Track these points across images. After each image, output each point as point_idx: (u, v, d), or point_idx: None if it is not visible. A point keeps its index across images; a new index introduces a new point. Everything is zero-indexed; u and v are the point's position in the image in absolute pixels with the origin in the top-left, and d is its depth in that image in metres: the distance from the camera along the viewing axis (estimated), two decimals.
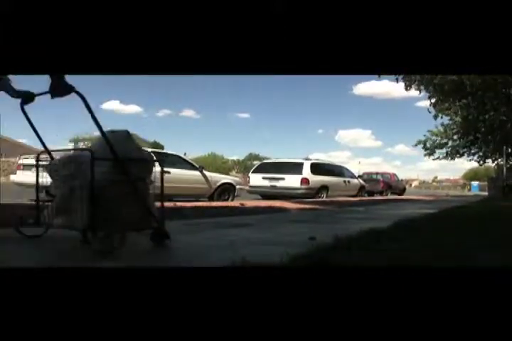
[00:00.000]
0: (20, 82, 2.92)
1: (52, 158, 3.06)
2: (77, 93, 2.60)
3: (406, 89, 19.67)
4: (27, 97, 2.92)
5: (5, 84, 2.78)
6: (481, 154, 25.93)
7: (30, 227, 2.96)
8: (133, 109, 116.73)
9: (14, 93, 2.83)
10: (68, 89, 2.62)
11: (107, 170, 2.65)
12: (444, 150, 26.42)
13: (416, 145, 27.05)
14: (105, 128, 2.67)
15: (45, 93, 2.75)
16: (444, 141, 26.15)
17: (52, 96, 2.71)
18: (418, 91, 19.93)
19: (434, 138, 26.36)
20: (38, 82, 2.83)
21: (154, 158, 3.32)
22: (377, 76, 18.47)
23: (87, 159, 2.59)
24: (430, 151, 26.72)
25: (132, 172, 2.71)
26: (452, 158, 26.55)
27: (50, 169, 2.95)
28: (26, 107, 2.94)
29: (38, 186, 3.12)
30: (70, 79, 2.66)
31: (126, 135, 2.89)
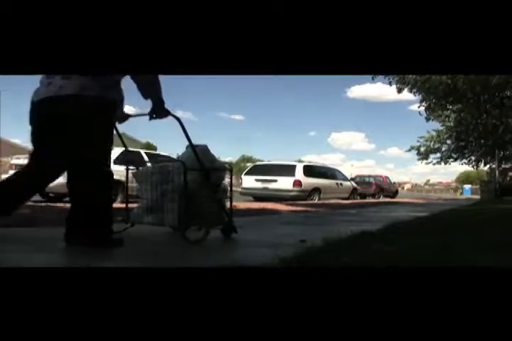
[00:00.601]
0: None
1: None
2: (174, 116, 3.05)
3: (398, 92, 19.76)
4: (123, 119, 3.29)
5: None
6: (473, 158, 26.11)
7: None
8: (125, 108, 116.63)
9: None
10: (166, 113, 2.95)
11: (194, 178, 3.26)
12: (437, 155, 26.59)
13: (409, 150, 27.17)
14: None
15: (143, 115, 3.07)
16: (438, 145, 26.30)
17: (150, 119, 3.00)
18: (412, 94, 20.01)
19: (427, 143, 26.50)
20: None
21: (227, 167, 3.93)
22: (371, 79, 18.54)
23: (176, 168, 3.31)
24: (424, 156, 26.85)
25: (212, 179, 3.37)
26: (446, 163, 26.71)
27: (137, 176, 3.70)
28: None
29: (127, 188, 3.94)
30: None
31: (206, 149, 3.53)
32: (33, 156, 2.90)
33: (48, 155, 2.79)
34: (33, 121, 2.83)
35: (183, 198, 3.17)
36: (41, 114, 2.75)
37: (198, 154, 3.21)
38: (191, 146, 3.26)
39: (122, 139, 3.60)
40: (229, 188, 3.86)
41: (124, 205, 3.96)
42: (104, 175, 2.81)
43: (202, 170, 3.26)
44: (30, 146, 3.01)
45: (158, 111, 2.93)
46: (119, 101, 2.92)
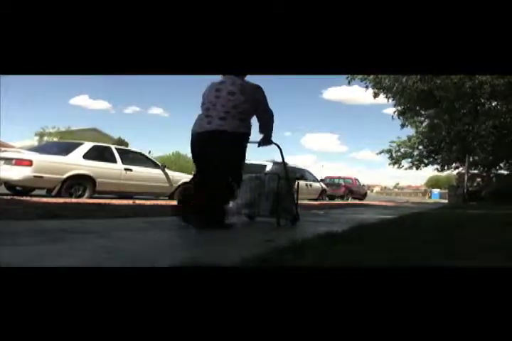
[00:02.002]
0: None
1: None
2: (276, 144, 4.56)
3: (374, 97, 19.98)
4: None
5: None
6: (442, 162, 26.49)
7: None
8: (101, 104, 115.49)
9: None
10: (270, 142, 4.47)
11: (282, 184, 4.76)
12: (409, 160, 26.89)
13: (380, 153, 27.44)
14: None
15: (254, 142, 4.41)
16: (410, 150, 26.62)
17: (259, 146, 4.47)
18: (386, 99, 20.24)
19: (398, 148, 26.79)
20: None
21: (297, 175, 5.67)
22: (347, 82, 18.71)
23: (272, 177, 4.88)
24: (396, 161, 27.14)
25: (290, 184, 4.97)
26: (417, 168, 27.04)
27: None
28: None
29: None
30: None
31: (285, 164, 4.94)
32: (197, 170, 4.23)
33: (207, 169, 4.06)
34: (196, 145, 4.14)
35: (275, 198, 4.75)
36: (203, 140, 4.02)
37: (280, 168, 5.17)
38: (284, 164, 4.90)
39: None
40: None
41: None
42: (237, 173, 4.18)
43: (285, 178, 4.82)
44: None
45: (266, 141, 4.43)
46: (250, 134, 4.18)
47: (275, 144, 4.50)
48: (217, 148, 3.95)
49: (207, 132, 3.96)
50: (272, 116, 4.30)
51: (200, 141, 4.04)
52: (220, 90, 4.05)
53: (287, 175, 4.86)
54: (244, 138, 4.10)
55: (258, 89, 4.13)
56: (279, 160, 4.93)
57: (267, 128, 4.33)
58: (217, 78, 4.26)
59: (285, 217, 4.78)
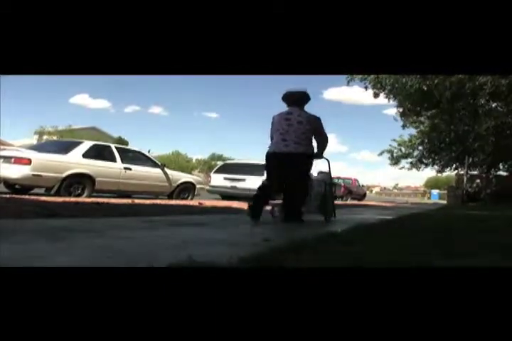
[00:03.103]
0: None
1: None
2: (326, 159, 5.93)
3: (375, 97, 19.97)
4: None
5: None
6: (442, 163, 26.46)
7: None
8: (101, 103, 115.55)
9: None
10: (322, 157, 5.67)
11: (328, 188, 6.13)
12: (409, 160, 26.88)
13: (381, 154, 27.42)
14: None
15: (316, 156, 5.60)
16: (410, 150, 26.59)
17: (313, 159, 5.54)
18: (387, 99, 20.25)
19: (399, 147, 26.76)
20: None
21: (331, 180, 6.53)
22: (346, 82, 18.74)
23: (320, 182, 6.07)
24: (395, 161, 27.10)
25: (332, 189, 6.37)
26: (417, 169, 27.00)
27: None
28: None
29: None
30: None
31: (330, 173, 6.31)
32: (267, 178, 5.56)
33: (276, 179, 5.40)
34: (273, 161, 5.41)
35: (322, 198, 5.97)
36: (283, 159, 5.25)
37: (325, 177, 6.26)
38: (329, 174, 6.28)
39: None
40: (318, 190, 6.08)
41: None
42: (306, 185, 5.51)
43: (330, 184, 6.26)
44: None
45: (319, 156, 5.61)
46: (313, 153, 5.50)
47: (325, 159, 5.88)
48: (295, 164, 5.25)
49: (285, 153, 5.25)
50: (327, 139, 5.66)
51: (279, 159, 5.31)
52: (289, 120, 5.34)
53: (331, 182, 6.34)
54: (311, 157, 5.48)
55: (318, 120, 5.48)
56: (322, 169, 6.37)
57: (321, 148, 5.56)
58: (285, 108, 5.57)
59: (330, 214, 6.10)
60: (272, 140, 5.51)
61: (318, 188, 5.97)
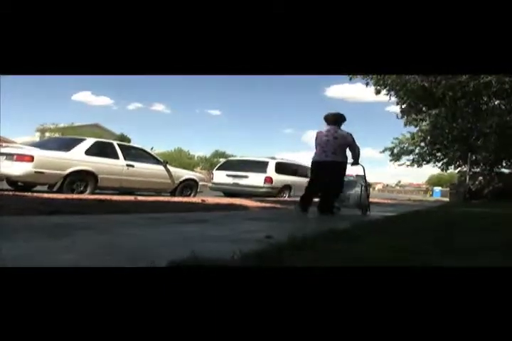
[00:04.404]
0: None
1: None
2: (361, 165, 7.51)
3: (376, 93, 19.94)
4: None
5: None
6: (445, 161, 26.35)
7: None
8: (104, 100, 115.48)
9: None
10: (358, 164, 7.20)
11: (363, 188, 7.49)
12: (410, 157, 26.76)
13: (383, 151, 27.33)
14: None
15: (353, 164, 7.19)
16: (411, 147, 26.48)
17: (351, 166, 7.18)
18: (388, 97, 20.24)
19: (400, 145, 26.65)
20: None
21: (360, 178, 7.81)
22: (349, 79, 18.75)
23: (359, 180, 7.59)
24: (396, 157, 26.99)
25: (367, 188, 7.76)
26: (419, 165, 26.89)
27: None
28: None
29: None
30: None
31: (365, 176, 7.69)
32: (312, 179, 6.95)
33: (319, 181, 6.73)
34: (316, 169, 6.84)
35: (360, 194, 7.42)
36: (324, 166, 6.63)
37: (361, 179, 7.59)
38: (364, 177, 7.64)
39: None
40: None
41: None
42: (339, 186, 6.85)
43: (365, 185, 7.62)
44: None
45: (355, 164, 7.11)
46: (347, 162, 6.92)
47: (361, 165, 7.39)
48: (333, 171, 6.67)
49: (326, 161, 6.68)
50: (359, 150, 7.08)
51: (321, 166, 6.71)
52: (328, 136, 6.74)
53: (366, 182, 7.72)
54: (346, 165, 6.92)
55: (350, 136, 6.84)
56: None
57: (355, 157, 7.08)
58: (323, 128, 6.98)
59: (366, 208, 7.49)
60: (316, 150, 6.93)
61: (356, 188, 7.50)
